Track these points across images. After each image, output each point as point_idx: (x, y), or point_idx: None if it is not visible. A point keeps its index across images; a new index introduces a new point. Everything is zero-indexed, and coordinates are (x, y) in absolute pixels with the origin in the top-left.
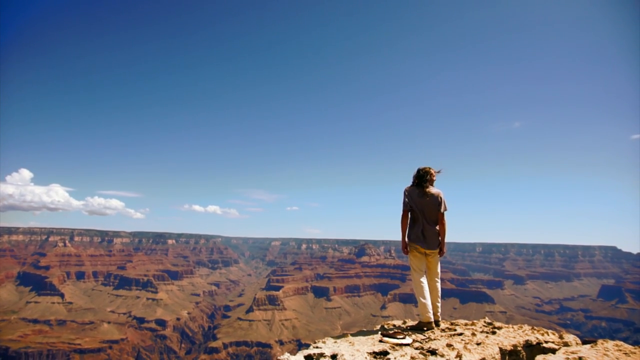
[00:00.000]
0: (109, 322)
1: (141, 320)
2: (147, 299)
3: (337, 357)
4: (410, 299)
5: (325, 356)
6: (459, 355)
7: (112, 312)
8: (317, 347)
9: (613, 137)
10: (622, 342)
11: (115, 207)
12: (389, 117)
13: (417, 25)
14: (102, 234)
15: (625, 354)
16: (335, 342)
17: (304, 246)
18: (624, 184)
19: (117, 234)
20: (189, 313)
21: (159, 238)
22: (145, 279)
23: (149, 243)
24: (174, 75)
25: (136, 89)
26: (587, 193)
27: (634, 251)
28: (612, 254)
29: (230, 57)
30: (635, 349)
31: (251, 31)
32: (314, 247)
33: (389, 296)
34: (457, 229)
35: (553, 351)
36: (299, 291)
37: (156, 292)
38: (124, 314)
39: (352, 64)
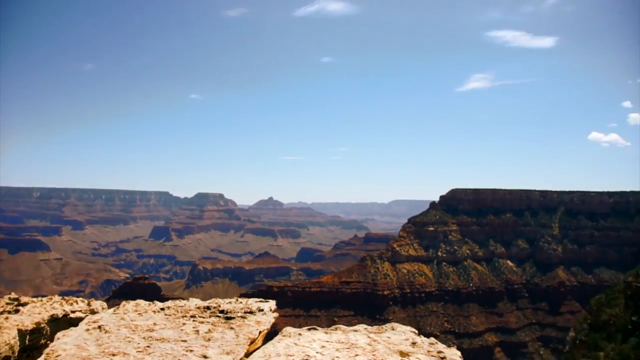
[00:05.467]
0: None
1: None
2: None
3: None
4: None
5: None
6: None
7: None
8: None
9: None
10: (141, 301)
11: None
12: None
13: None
14: None
15: (140, 314)
16: None
17: None
18: None
19: None
20: None
21: None
22: None
23: None
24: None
25: None
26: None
27: (182, 196)
28: (165, 198)
29: None
30: (154, 306)
31: None
32: None
33: None
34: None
35: (80, 321)
36: None
37: None
38: None
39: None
